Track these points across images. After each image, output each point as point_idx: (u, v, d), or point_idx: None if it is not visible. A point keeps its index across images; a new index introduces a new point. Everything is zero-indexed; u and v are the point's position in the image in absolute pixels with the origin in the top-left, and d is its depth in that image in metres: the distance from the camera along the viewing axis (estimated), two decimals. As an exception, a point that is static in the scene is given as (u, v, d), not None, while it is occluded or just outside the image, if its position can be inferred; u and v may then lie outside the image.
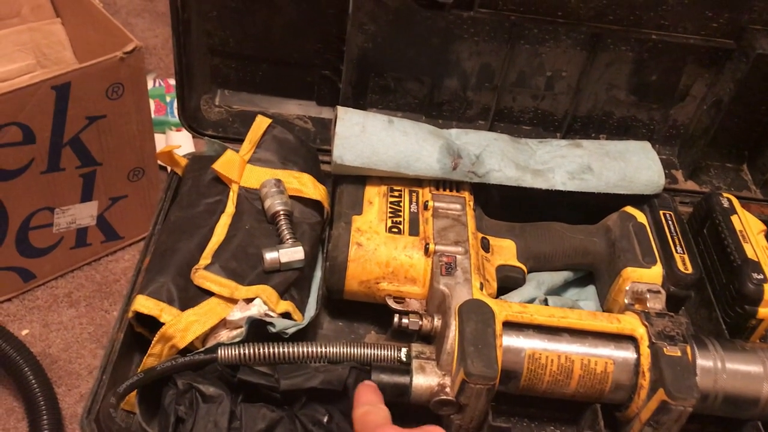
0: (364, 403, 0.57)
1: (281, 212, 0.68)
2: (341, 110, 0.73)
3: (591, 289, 0.76)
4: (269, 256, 0.64)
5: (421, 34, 0.76)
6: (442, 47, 0.77)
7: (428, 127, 0.75)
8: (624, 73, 0.79)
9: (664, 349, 0.61)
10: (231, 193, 0.70)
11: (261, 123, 0.75)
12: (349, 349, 0.62)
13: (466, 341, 0.59)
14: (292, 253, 0.65)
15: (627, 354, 0.62)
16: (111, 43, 1.07)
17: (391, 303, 0.67)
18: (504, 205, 0.80)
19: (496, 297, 0.70)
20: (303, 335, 0.64)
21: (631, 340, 0.63)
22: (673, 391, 0.58)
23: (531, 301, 0.69)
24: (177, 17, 0.71)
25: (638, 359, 0.61)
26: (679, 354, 0.60)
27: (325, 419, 0.60)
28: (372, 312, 0.71)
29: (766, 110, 0.81)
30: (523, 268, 0.72)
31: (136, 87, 1.09)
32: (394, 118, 0.74)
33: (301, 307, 0.66)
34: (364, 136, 0.71)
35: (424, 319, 0.65)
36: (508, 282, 0.71)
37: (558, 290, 0.75)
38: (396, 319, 0.65)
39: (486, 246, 0.72)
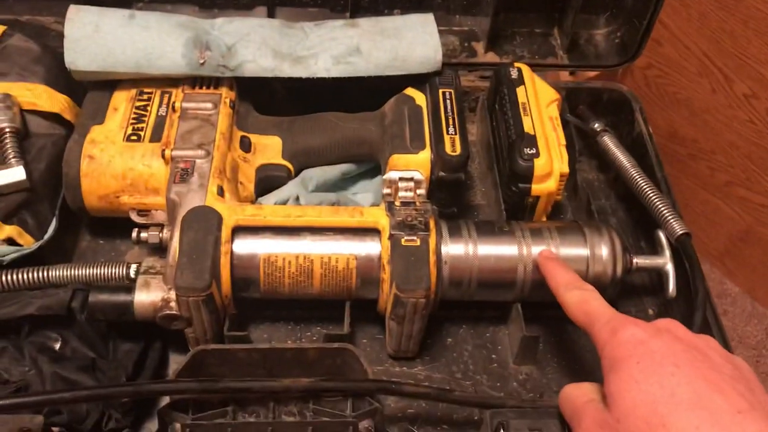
0: (569, 285, 0.51)
1: (6, 129, 0.62)
2: (72, 9, 0.66)
3: (378, 181, 0.72)
4: (-16, 179, 0.59)
5: None
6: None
7: (179, 18, 0.68)
8: (399, -62, 0.71)
9: (402, 239, 0.57)
10: (-41, 114, 0.65)
11: (-7, 32, 0.68)
12: (72, 271, 0.58)
13: (181, 252, 0.55)
14: (10, 174, 0.60)
15: (370, 248, 0.58)
16: None
17: (133, 217, 0.63)
18: (290, 98, 0.75)
19: (258, 198, 0.66)
20: (43, 258, 0.61)
21: (377, 233, 0.59)
22: (400, 284, 0.55)
23: (287, 199, 0.65)
24: None
25: (381, 252, 0.58)
26: (417, 243, 0.57)
27: (57, 345, 0.58)
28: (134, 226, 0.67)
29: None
30: (288, 165, 0.67)
31: None
32: (137, 12, 0.67)
33: (39, 230, 0.62)
34: (97, 36, 0.65)
35: (164, 231, 0.61)
36: (272, 182, 0.67)
37: (340, 184, 0.71)
38: (134, 234, 0.61)
39: (247, 146, 0.67)
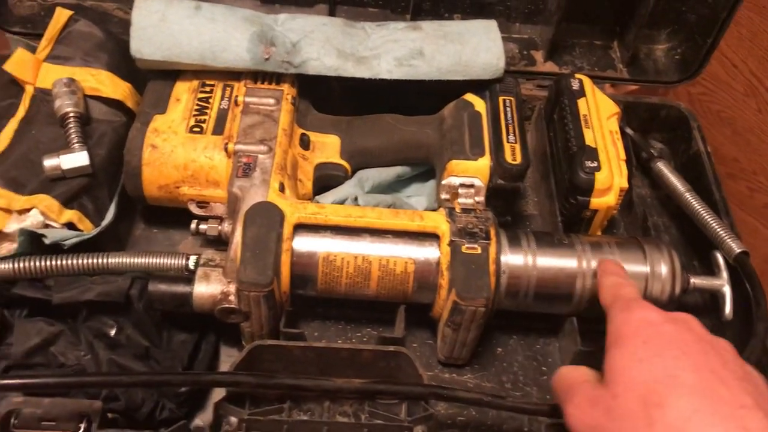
0: (613, 274, 0.52)
1: (71, 114, 0.63)
2: (140, -3, 0.66)
3: (431, 185, 0.72)
4: (49, 162, 0.60)
5: None
6: None
7: (244, 12, 0.68)
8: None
9: (463, 246, 0.57)
10: (24, 96, 0.65)
11: (60, 16, 0.68)
12: (132, 259, 0.59)
13: (244, 247, 0.55)
14: (74, 159, 0.60)
15: (429, 253, 0.58)
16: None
17: (192, 208, 0.63)
18: (346, 97, 0.74)
19: (315, 196, 0.66)
20: (99, 245, 0.61)
21: (435, 238, 0.59)
22: (461, 291, 0.55)
23: (345, 199, 0.65)
24: None
25: (440, 258, 0.58)
26: (478, 251, 0.57)
27: (113, 331, 0.58)
28: (191, 217, 0.67)
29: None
30: (346, 165, 0.67)
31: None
32: (203, 4, 0.67)
33: (97, 216, 0.62)
34: (164, 25, 0.65)
35: (224, 224, 0.61)
36: (329, 180, 0.67)
37: (394, 186, 0.71)
38: (193, 225, 0.61)
39: (306, 143, 0.67)
